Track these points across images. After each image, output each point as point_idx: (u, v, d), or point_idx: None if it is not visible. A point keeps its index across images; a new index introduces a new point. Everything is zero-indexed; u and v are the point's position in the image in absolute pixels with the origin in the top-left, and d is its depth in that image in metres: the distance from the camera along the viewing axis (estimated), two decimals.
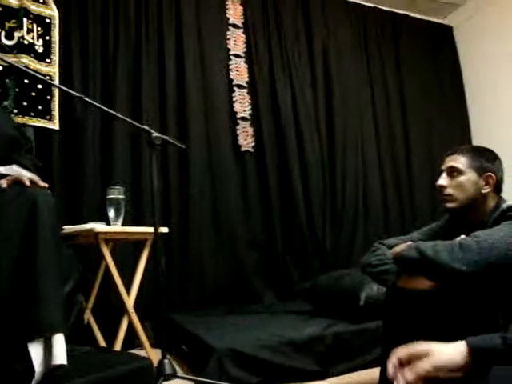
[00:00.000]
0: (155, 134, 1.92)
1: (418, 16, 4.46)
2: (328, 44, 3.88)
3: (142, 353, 2.02)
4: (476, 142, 4.11)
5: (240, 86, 3.46)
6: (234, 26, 3.53)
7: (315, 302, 2.73)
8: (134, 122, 1.98)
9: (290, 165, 3.52)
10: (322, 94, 3.80)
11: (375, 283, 1.97)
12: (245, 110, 3.44)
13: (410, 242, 1.55)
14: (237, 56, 3.50)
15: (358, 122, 3.88)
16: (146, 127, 1.95)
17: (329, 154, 3.74)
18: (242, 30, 3.56)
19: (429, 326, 1.43)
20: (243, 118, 3.43)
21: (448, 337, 1.37)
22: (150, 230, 2.09)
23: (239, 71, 3.47)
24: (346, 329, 2.22)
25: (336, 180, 3.71)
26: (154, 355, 2.04)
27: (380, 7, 4.22)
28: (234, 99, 3.42)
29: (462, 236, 1.42)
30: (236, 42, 3.51)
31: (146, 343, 2.15)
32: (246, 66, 3.52)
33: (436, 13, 4.51)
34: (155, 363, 1.74)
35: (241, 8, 3.58)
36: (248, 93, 3.49)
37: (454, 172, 1.57)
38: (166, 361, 1.80)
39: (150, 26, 3.22)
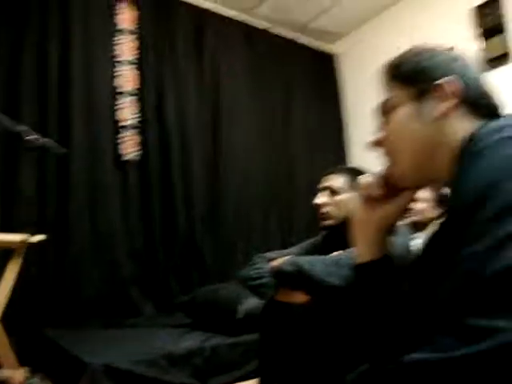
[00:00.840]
0: (31, 137, 1.82)
1: (306, 42, 4.68)
2: (219, 58, 3.93)
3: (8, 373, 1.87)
4: (353, 162, 4.40)
5: (126, 94, 3.36)
6: (126, 31, 3.43)
7: (194, 315, 2.72)
8: (7, 123, 1.85)
9: (173, 175, 3.48)
10: (210, 106, 3.82)
11: (254, 296, 2.02)
12: (130, 119, 3.35)
13: (288, 257, 1.61)
14: (126, 62, 3.40)
15: (243, 136, 3.96)
16: (21, 128, 1.84)
17: (213, 165, 3.76)
18: (133, 36, 3.46)
19: (304, 339, 1.48)
20: (128, 127, 3.33)
21: (323, 350, 1.43)
22: (18, 237, 1.95)
23: (127, 78, 3.38)
24: (224, 342, 2.23)
25: (219, 193, 3.74)
26: (21, 374, 1.89)
27: (271, 31, 4.37)
28: (119, 107, 3.32)
29: (338, 252, 1.50)
30: (126, 48, 3.41)
31: (10, 361, 1.98)
32: (136, 72, 3.43)
33: (323, 40, 4.79)
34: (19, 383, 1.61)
35: (133, 14, 3.48)
36: (135, 100, 3.40)
37: (331, 191, 1.66)
38: (34, 380, 1.68)
39: (32, 25, 3.02)
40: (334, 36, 4.76)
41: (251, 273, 1.64)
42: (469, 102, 0.83)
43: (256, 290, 1.63)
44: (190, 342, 2.21)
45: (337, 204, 1.64)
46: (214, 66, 3.90)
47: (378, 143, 0.92)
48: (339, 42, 4.87)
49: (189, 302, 2.80)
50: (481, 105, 0.84)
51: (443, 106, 0.82)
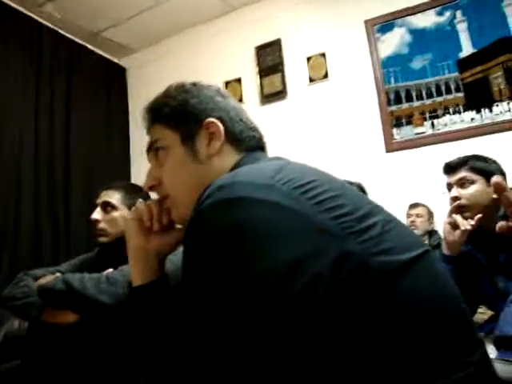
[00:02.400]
0: None
1: (96, 50, 4.50)
2: None
3: None
4: (135, 180, 4.33)
5: None
6: None
7: None
8: None
9: None
10: None
11: (17, 318, 1.85)
12: None
13: (57, 274, 1.52)
14: None
15: (17, 144, 3.54)
16: None
17: None
18: None
19: (71, 361, 1.41)
20: None
21: (93, 371, 1.38)
22: None
23: None
24: None
25: None
26: None
27: (59, 31, 4.07)
28: None
29: (111, 269, 1.47)
30: None
31: None
32: None
33: (113, 52, 4.68)
34: None
35: None
36: None
37: (107, 207, 1.62)
38: None
39: None
40: (126, 50, 4.71)
41: (15, 292, 1.50)
42: (233, 137, 0.88)
43: (19, 311, 1.49)
44: None
45: (112, 221, 1.61)
46: None
47: (154, 187, 0.92)
48: (131, 56, 4.83)
49: None
50: (244, 138, 0.89)
51: (212, 147, 0.85)
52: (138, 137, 4.54)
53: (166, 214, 0.90)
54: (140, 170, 4.42)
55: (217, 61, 4.21)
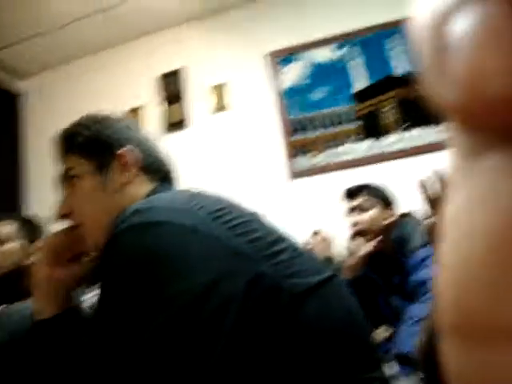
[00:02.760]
0: None
1: None
2: None
3: None
4: (33, 211, 4.07)
5: None
6: None
7: None
8: None
9: None
10: None
11: None
12: None
13: None
14: None
15: None
16: None
17: None
18: None
19: None
20: None
21: None
22: None
23: None
24: None
25: None
26: None
27: None
28: None
29: (4, 305, 1.37)
30: None
31: None
32: None
33: (6, 75, 4.39)
34: None
35: None
36: None
37: None
38: None
39: None
40: (21, 73, 4.45)
41: None
42: (146, 167, 0.89)
43: None
44: None
45: (4, 253, 1.50)
46: None
47: (64, 216, 0.90)
48: (27, 81, 4.55)
49: None
50: (156, 169, 0.91)
51: (125, 176, 0.86)
52: (35, 165, 4.28)
53: (76, 243, 0.88)
54: (37, 200, 4.17)
55: (119, 88, 4.11)
